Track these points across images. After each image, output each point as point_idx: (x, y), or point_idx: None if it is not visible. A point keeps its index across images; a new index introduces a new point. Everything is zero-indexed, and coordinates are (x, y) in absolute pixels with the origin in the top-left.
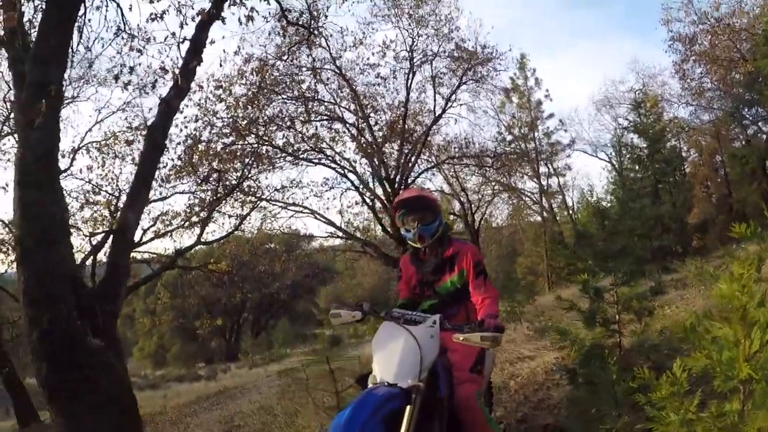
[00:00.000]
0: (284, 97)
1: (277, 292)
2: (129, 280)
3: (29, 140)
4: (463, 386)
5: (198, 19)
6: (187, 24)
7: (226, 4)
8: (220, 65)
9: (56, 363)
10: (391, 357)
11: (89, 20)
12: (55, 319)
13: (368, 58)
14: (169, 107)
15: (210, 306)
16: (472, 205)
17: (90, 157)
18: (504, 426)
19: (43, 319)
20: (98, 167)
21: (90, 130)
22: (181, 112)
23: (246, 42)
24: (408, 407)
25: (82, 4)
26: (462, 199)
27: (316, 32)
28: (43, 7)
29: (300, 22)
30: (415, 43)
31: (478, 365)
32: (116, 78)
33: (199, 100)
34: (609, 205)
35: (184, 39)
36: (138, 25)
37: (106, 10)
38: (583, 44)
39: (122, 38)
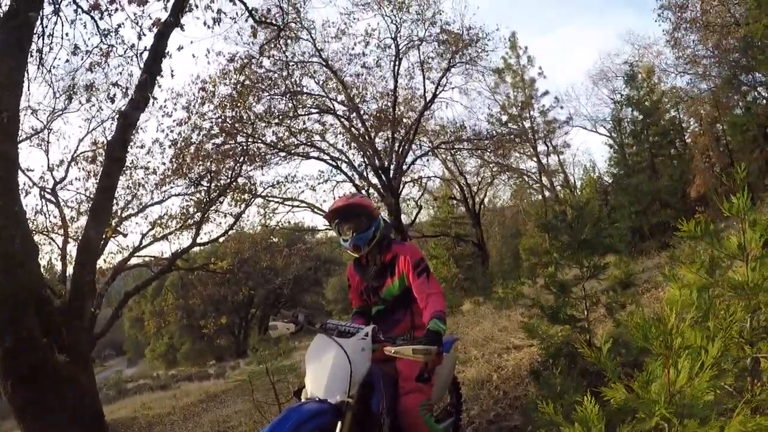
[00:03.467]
0: (271, 93)
1: (281, 287)
2: (131, 284)
3: None
4: (407, 397)
5: (155, 29)
6: (144, 35)
7: (186, 10)
8: (208, 63)
9: (21, 381)
10: (321, 371)
11: (48, 41)
12: (18, 340)
13: (353, 48)
14: (127, 120)
15: (217, 304)
16: (473, 189)
17: (79, 168)
18: (472, 429)
19: (5, 340)
20: (90, 177)
21: (81, 140)
22: (170, 116)
23: (230, 40)
24: (339, 423)
25: (38, 28)
26: (461, 182)
27: (286, 29)
28: None
29: (268, 20)
30: (399, 30)
31: (426, 373)
32: (69, 98)
33: (186, 103)
34: (610, 181)
35: (145, 49)
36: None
37: (62, 29)
38: (578, 19)
39: (80, 57)
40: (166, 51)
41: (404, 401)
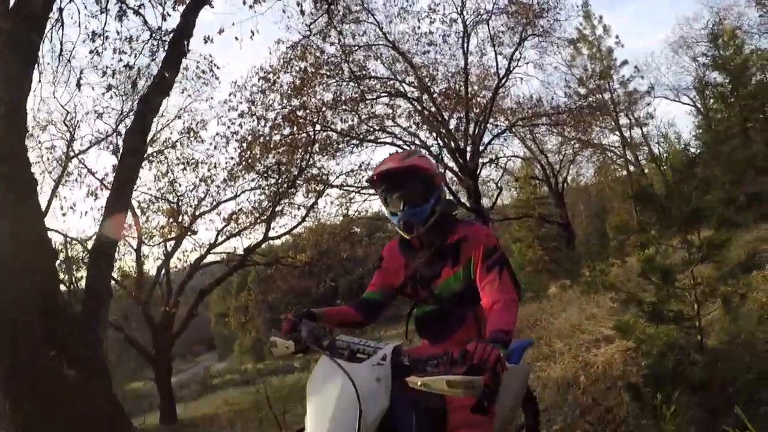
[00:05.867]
0: (337, 79)
1: (362, 277)
2: (205, 280)
3: None
4: None
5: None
6: (169, 15)
7: None
8: (269, 53)
9: (21, 399)
10: (324, 410)
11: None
12: (17, 358)
13: (418, 27)
14: (147, 106)
15: (300, 297)
16: (554, 167)
17: (149, 168)
18: None
19: (3, 359)
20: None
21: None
22: (235, 110)
23: (292, 29)
24: None
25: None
26: (542, 161)
27: (335, 3)
28: None
29: None
30: (464, 4)
31: (486, 401)
32: (78, 85)
33: (249, 95)
34: (697, 151)
35: (171, 31)
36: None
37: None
38: None
39: (99, 42)
40: (209, 36)
41: None
